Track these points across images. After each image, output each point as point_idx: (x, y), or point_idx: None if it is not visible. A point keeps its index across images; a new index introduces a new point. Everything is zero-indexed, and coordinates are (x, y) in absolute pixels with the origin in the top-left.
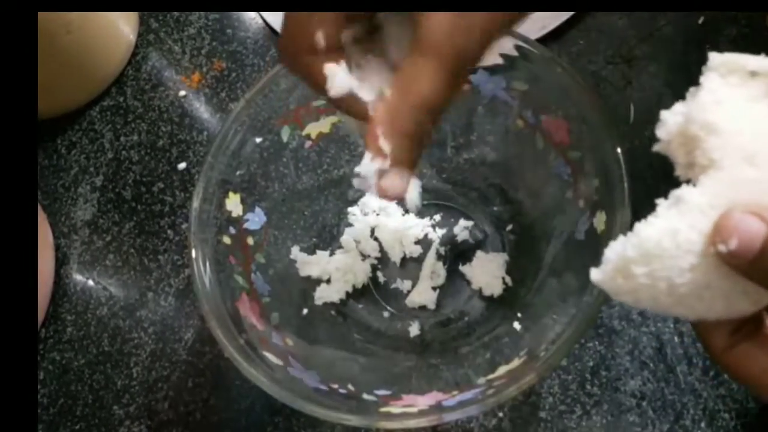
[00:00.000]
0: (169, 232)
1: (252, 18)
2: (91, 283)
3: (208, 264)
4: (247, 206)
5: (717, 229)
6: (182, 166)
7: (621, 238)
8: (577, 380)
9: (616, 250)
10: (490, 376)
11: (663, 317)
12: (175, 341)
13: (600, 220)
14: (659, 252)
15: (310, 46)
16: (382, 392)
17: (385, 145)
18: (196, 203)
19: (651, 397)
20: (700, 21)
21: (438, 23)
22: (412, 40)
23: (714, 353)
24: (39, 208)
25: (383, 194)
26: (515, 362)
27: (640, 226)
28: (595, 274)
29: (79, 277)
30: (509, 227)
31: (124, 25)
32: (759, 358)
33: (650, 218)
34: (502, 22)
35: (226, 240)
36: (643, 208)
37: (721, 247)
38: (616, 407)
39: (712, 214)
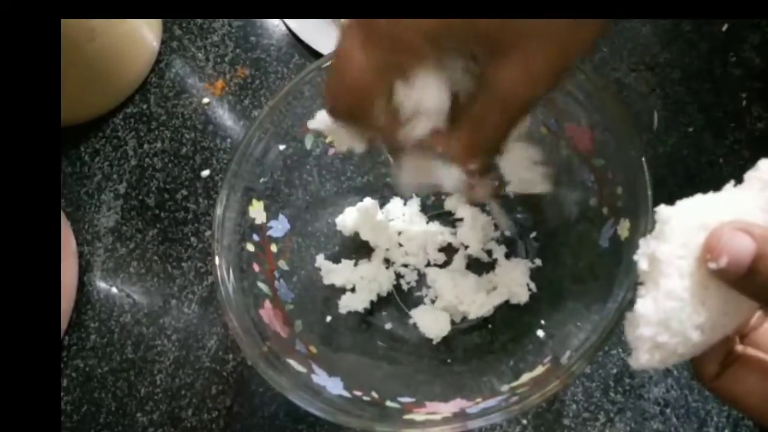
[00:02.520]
0: (192, 239)
1: (275, 25)
2: (114, 290)
3: (231, 271)
4: (271, 213)
5: (707, 248)
6: (206, 173)
7: (629, 322)
8: (600, 387)
9: (634, 337)
10: (514, 384)
11: None
12: (198, 348)
13: (624, 227)
14: (668, 314)
15: (368, 91)
16: (405, 399)
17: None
18: (219, 210)
19: (675, 404)
20: (724, 28)
21: (507, 78)
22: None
23: (706, 381)
24: (62, 215)
25: (473, 199)
26: (539, 370)
27: (638, 306)
28: (636, 363)
29: (102, 285)
30: (533, 234)
31: (147, 33)
32: (744, 379)
33: (641, 291)
34: (566, 66)
35: (250, 247)
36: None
37: (712, 265)
38: (639, 414)
39: (688, 252)
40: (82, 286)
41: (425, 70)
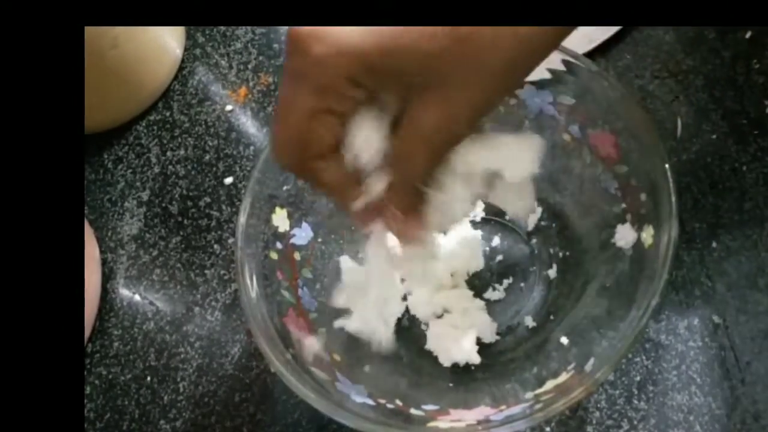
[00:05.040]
0: (215, 246)
1: None
2: (137, 297)
3: (254, 279)
4: (294, 221)
5: None
6: (229, 180)
7: None
8: (624, 395)
9: None
10: (538, 391)
11: (710, 332)
12: (221, 356)
13: (648, 234)
14: None
15: (316, 150)
16: (429, 407)
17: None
18: (242, 218)
19: (698, 411)
20: (747, 35)
21: (429, 117)
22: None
23: None
24: (86, 223)
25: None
26: (563, 377)
27: None
28: None
29: (125, 292)
30: (556, 241)
31: (170, 40)
32: None
33: None
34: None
35: (273, 255)
36: (690, 221)
37: None
38: (663, 422)
39: None
40: (106, 294)
41: (356, 115)
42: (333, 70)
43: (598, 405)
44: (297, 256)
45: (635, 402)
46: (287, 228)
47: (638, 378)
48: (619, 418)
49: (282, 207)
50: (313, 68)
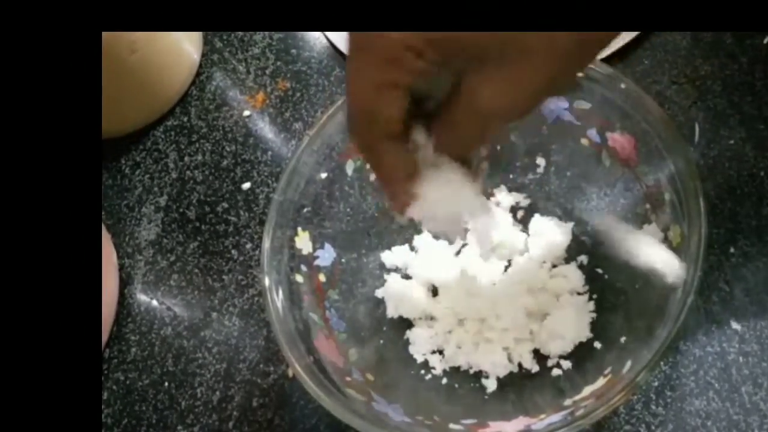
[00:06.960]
0: (233, 252)
1: (316, 38)
2: (155, 303)
3: (283, 305)
4: (317, 243)
5: None
6: (246, 186)
7: None
8: (641, 400)
9: None
10: (576, 397)
11: (727, 338)
12: (239, 361)
13: (675, 233)
14: None
15: (384, 132)
16: (468, 421)
17: None
18: (267, 244)
19: (716, 416)
20: (765, 41)
21: (489, 93)
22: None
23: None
24: (103, 228)
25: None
26: (600, 382)
27: None
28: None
29: (143, 297)
30: (583, 249)
31: (188, 45)
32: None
33: None
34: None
35: (299, 278)
36: (709, 226)
37: None
38: (681, 427)
39: None
40: (123, 299)
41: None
42: (397, 41)
43: (616, 410)
44: (322, 277)
45: (653, 407)
46: (310, 250)
47: (656, 383)
48: (637, 423)
49: (304, 229)
50: (377, 40)
